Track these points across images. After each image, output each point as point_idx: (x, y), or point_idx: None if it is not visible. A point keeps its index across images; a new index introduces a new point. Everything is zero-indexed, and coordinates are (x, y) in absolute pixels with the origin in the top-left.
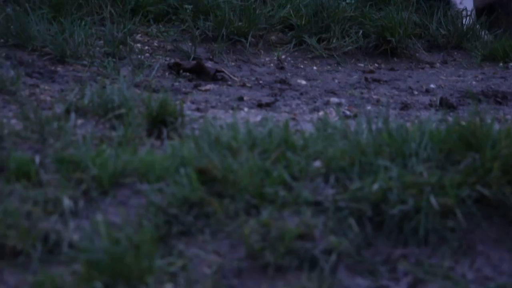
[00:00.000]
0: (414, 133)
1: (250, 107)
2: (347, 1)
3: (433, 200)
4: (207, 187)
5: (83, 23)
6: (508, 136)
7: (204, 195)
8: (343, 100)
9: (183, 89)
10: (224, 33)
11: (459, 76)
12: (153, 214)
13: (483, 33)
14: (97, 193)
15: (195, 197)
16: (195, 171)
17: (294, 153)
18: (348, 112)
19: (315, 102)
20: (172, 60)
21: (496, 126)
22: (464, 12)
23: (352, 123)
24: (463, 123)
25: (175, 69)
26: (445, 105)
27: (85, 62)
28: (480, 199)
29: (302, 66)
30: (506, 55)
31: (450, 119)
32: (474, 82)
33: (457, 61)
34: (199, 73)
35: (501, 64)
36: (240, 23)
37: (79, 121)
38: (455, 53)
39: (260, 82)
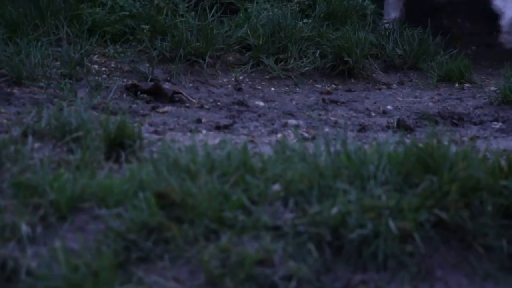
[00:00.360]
0: (372, 156)
1: (209, 129)
2: (304, 21)
3: (391, 224)
4: (166, 212)
5: (39, 43)
6: (465, 158)
7: (163, 220)
8: (301, 122)
9: (141, 111)
10: (182, 54)
11: (415, 97)
12: (112, 240)
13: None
14: (55, 219)
15: (154, 222)
16: (153, 195)
17: (253, 176)
18: (306, 134)
19: (273, 124)
20: (130, 82)
21: (453, 148)
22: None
23: (310, 145)
24: (421, 145)
25: (133, 90)
26: (403, 126)
27: (41, 84)
28: (438, 222)
29: (260, 87)
30: (461, 75)
31: (407, 141)
32: (430, 103)
33: (413, 81)
34: (157, 95)
35: (457, 85)
36: (197, 44)
37: (36, 145)
38: (412, 73)
39: (218, 103)
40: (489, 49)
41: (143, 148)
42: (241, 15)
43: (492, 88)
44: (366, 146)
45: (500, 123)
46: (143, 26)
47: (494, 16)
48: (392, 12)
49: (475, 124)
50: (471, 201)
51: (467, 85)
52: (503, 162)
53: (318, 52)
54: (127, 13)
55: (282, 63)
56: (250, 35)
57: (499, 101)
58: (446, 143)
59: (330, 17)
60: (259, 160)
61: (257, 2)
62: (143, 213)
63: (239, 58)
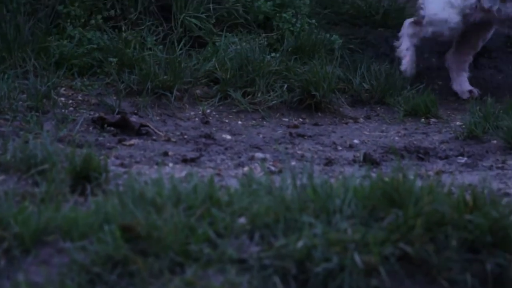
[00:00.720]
0: (338, 189)
1: (175, 163)
2: (272, 55)
3: (357, 258)
4: (131, 245)
5: (5, 76)
6: (430, 192)
7: (128, 253)
8: (268, 155)
9: (107, 144)
10: (149, 87)
11: (382, 131)
12: (76, 273)
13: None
14: (18, 252)
15: (119, 255)
16: (119, 228)
17: (219, 209)
18: (273, 168)
19: (240, 157)
20: (97, 114)
21: (419, 183)
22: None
23: (277, 179)
24: (387, 179)
25: (99, 123)
26: (369, 161)
27: (7, 117)
28: (403, 256)
29: (227, 121)
30: (428, 110)
31: (373, 175)
32: (397, 138)
33: (380, 116)
34: (124, 128)
35: (423, 119)
36: (165, 77)
37: (1, 177)
38: (378, 108)
39: (185, 136)
40: None
41: (109, 181)
42: (209, 48)
43: (458, 123)
44: (332, 180)
45: (466, 158)
46: (111, 59)
47: None
48: None
49: (441, 158)
50: (436, 235)
51: (433, 119)
52: (468, 197)
53: (285, 86)
54: (95, 46)
55: (249, 96)
56: (218, 69)
57: (465, 136)
58: (411, 177)
59: (298, 51)
60: (225, 193)
61: (225, 36)
62: (108, 246)
63: (206, 92)
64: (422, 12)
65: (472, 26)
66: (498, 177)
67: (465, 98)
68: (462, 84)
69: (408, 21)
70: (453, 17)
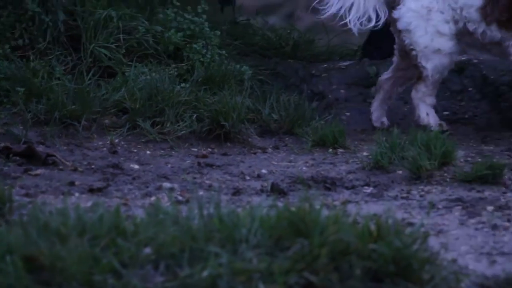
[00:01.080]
0: (245, 219)
1: (81, 192)
2: (182, 85)
3: (261, 287)
4: (34, 275)
5: None
6: (336, 222)
7: (30, 283)
8: (175, 185)
9: (13, 174)
10: (57, 116)
11: (290, 161)
12: None
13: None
14: None
15: (20, 286)
16: (21, 259)
17: (124, 239)
18: (180, 197)
19: (147, 187)
20: (2, 144)
21: (325, 212)
22: None
23: (184, 209)
24: (293, 209)
25: (5, 153)
26: (276, 190)
27: None
28: (308, 285)
29: (135, 150)
30: (335, 140)
31: (280, 205)
32: (304, 168)
33: (288, 146)
34: (30, 157)
35: (331, 149)
36: (73, 106)
37: None
38: (287, 138)
39: (93, 166)
40: (362, 115)
41: (13, 211)
42: (118, 78)
43: (364, 153)
44: (239, 210)
45: (372, 188)
46: (18, 88)
47: (369, 83)
48: None
49: (347, 188)
50: (340, 265)
51: (340, 150)
52: (372, 227)
53: (195, 116)
54: (2, 75)
55: (158, 126)
56: (127, 99)
57: (371, 166)
58: (318, 207)
59: (208, 81)
60: (131, 223)
61: (135, 66)
62: (10, 277)
63: (115, 121)
64: (414, 53)
65: None
66: (403, 207)
67: (376, 126)
68: (381, 111)
69: (413, 89)
70: (445, 44)
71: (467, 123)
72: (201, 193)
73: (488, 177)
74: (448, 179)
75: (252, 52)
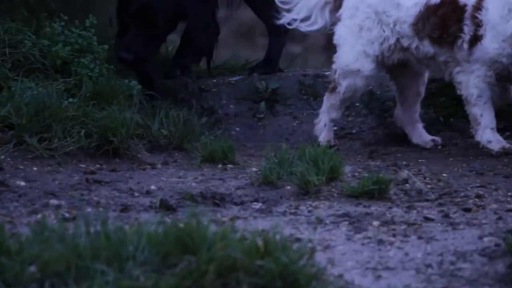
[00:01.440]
0: (132, 236)
1: None
2: (70, 101)
3: None
4: None
5: None
6: (223, 238)
7: None
8: (63, 202)
9: None
10: None
11: (179, 177)
12: None
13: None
14: None
15: None
16: None
17: (8, 257)
18: (67, 214)
19: (34, 204)
20: None
21: (213, 228)
22: None
23: (71, 226)
24: (181, 225)
25: None
26: (165, 207)
27: None
28: None
29: (22, 167)
30: (225, 156)
31: (168, 221)
32: (194, 184)
33: (178, 162)
34: None
35: (220, 165)
36: None
37: None
38: (177, 154)
39: None
40: (252, 130)
41: None
42: (4, 93)
43: (254, 169)
44: (127, 227)
45: (260, 204)
46: None
47: (258, 98)
48: None
49: (236, 204)
50: (228, 281)
51: (230, 165)
52: (260, 242)
53: (83, 131)
54: None
55: (46, 142)
56: (13, 114)
57: (260, 182)
58: (206, 223)
59: (96, 96)
60: (16, 241)
61: (21, 81)
62: None
63: (1, 137)
64: (333, 67)
65: (405, 75)
66: (291, 222)
67: (429, 147)
68: (422, 135)
69: (324, 97)
70: (367, 66)
71: (354, 138)
72: (88, 210)
73: (374, 192)
74: (335, 194)
75: None
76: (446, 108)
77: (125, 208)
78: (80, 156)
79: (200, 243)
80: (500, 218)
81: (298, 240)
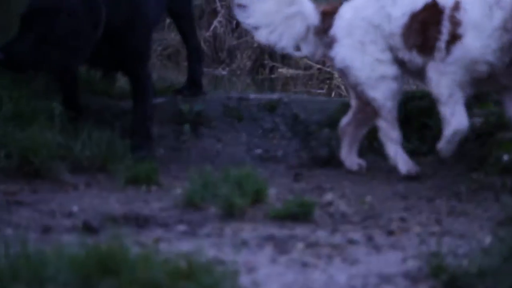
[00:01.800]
0: (52, 257)
1: None
2: None
3: None
4: None
5: None
6: (146, 260)
7: None
8: None
9: None
10: None
11: (102, 198)
12: None
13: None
14: None
15: None
16: None
17: None
18: None
19: None
20: None
21: (136, 250)
22: None
23: None
24: (103, 247)
25: None
26: (87, 228)
27: None
28: None
29: None
30: (149, 178)
31: (90, 243)
32: (117, 205)
33: (101, 183)
34: None
35: (144, 187)
36: None
37: None
38: (100, 175)
39: None
40: (176, 152)
41: None
42: None
43: (178, 191)
44: (48, 248)
45: (185, 226)
46: None
47: (183, 121)
48: None
49: (160, 226)
50: None
51: (154, 187)
52: (184, 264)
53: (3, 152)
54: None
55: None
56: None
57: (185, 204)
58: (128, 245)
59: (17, 117)
60: None
61: None
62: None
63: None
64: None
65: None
66: (215, 244)
67: (354, 170)
68: (353, 155)
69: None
70: (388, 69)
71: (279, 161)
72: (9, 231)
73: (299, 214)
74: (260, 217)
75: None
76: (370, 132)
77: (46, 230)
78: (1, 177)
79: (122, 265)
80: (423, 241)
81: (222, 262)
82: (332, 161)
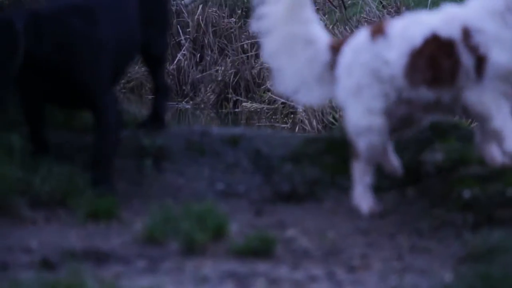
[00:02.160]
0: None
1: None
2: None
3: None
4: None
5: None
6: None
7: None
8: None
9: None
10: None
11: (62, 233)
12: None
13: None
14: None
15: None
16: None
17: None
18: None
19: None
20: None
21: (96, 286)
22: None
23: None
24: (62, 283)
25: None
26: (46, 264)
27: None
28: None
29: None
30: (109, 213)
31: (50, 279)
32: (77, 241)
33: (61, 218)
34: None
35: (104, 222)
36: None
37: None
38: (59, 210)
39: None
40: (138, 187)
41: None
42: None
43: (139, 226)
44: (5, 286)
45: (145, 261)
46: None
47: (144, 154)
48: None
49: (120, 262)
50: None
51: (115, 222)
52: None
53: None
54: None
55: None
56: None
57: (145, 239)
58: (87, 281)
59: None
60: None
61: None
62: None
63: None
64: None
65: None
66: (176, 280)
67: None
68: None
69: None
70: (376, 121)
71: (241, 196)
72: None
73: (260, 250)
74: (221, 252)
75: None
76: (332, 167)
77: (3, 266)
78: None
79: None
80: (384, 277)
81: None
82: (295, 196)
